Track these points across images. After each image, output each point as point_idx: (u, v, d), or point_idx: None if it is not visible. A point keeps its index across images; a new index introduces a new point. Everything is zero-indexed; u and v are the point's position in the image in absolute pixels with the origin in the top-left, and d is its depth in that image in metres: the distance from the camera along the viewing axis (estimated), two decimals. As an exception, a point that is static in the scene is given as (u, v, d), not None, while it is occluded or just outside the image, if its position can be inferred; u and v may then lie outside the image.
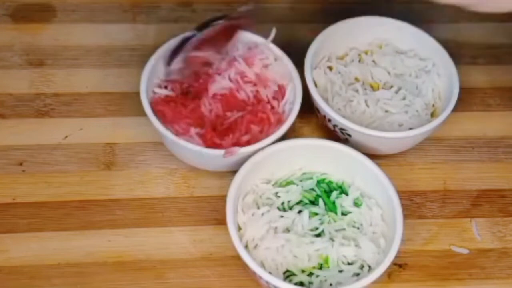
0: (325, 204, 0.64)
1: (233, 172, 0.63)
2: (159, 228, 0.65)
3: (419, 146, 0.71)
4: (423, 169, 0.72)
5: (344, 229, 0.63)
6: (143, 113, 0.65)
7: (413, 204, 0.69)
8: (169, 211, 0.67)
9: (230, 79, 0.69)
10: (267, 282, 0.57)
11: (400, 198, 0.62)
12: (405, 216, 0.61)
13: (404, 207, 0.62)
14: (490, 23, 0.84)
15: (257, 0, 0.65)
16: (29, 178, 0.67)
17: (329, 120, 0.68)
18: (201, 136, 0.65)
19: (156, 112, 0.65)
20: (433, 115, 0.71)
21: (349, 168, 0.65)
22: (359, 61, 0.74)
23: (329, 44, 0.73)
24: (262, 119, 0.67)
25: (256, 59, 0.70)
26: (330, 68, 0.73)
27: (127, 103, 0.73)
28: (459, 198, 0.70)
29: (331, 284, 0.60)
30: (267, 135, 0.65)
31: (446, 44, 0.73)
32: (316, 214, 0.63)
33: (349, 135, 0.67)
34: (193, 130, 0.65)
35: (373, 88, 0.72)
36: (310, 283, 0.60)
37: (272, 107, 0.68)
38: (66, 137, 0.70)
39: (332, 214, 0.63)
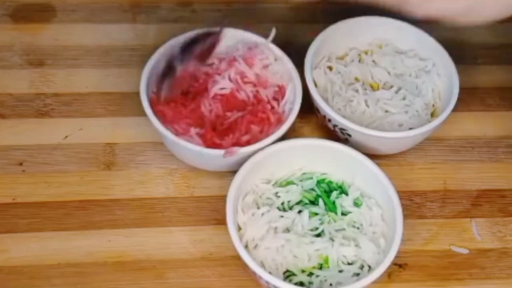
0: (325, 204, 0.64)
1: (233, 172, 0.63)
2: (159, 228, 0.65)
3: (419, 146, 0.71)
4: (423, 169, 0.72)
5: (344, 229, 0.63)
6: (143, 113, 0.65)
7: (413, 204, 0.69)
8: (169, 211, 0.67)
9: (230, 79, 0.69)
10: (267, 282, 0.57)
11: (400, 198, 0.62)
12: (405, 216, 0.61)
13: (404, 207, 0.62)
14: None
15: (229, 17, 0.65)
16: (29, 178, 0.67)
17: (329, 120, 0.68)
18: (201, 136, 0.65)
19: (156, 112, 0.65)
20: (433, 115, 0.71)
21: (349, 168, 0.65)
22: (359, 61, 0.74)
23: (329, 44, 0.73)
24: (262, 119, 0.67)
25: (256, 59, 0.70)
26: (330, 68, 0.73)
27: (127, 103, 0.73)
28: (459, 198, 0.70)
29: (331, 284, 0.60)
30: (267, 135, 0.65)
31: (446, 44, 0.73)
32: (316, 214, 0.63)
33: (349, 135, 0.67)
34: (193, 130, 0.65)
35: (373, 88, 0.72)
36: (310, 283, 0.60)
37: (272, 107, 0.68)
38: (66, 137, 0.70)
39: (332, 214, 0.63)
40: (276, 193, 0.64)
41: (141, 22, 0.80)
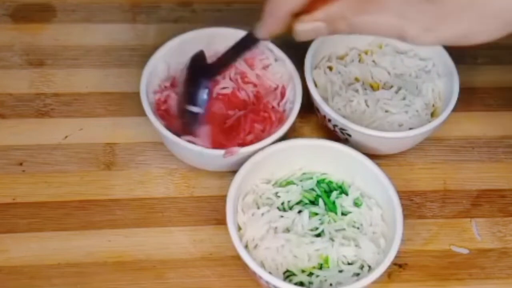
0: (325, 204, 0.64)
1: (233, 172, 0.63)
2: (159, 228, 0.65)
3: (419, 146, 0.71)
4: (423, 169, 0.72)
5: (344, 229, 0.63)
6: (143, 113, 0.65)
7: (413, 204, 0.69)
8: (169, 211, 0.67)
9: (230, 79, 0.69)
10: (267, 282, 0.57)
11: (400, 198, 0.62)
12: (405, 216, 0.61)
13: (404, 207, 0.62)
14: (490, 23, 0.84)
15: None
16: (29, 178, 0.67)
17: (329, 120, 0.68)
18: (208, 136, 0.65)
19: (157, 113, 0.65)
20: (433, 115, 0.71)
21: (349, 168, 0.65)
22: (359, 61, 0.74)
23: (329, 44, 0.73)
24: (265, 118, 0.67)
25: (256, 59, 0.71)
26: (330, 68, 0.73)
27: (127, 103, 0.73)
28: (459, 198, 0.70)
29: (331, 284, 0.60)
30: (270, 134, 0.64)
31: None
32: (316, 214, 0.63)
33: (349, 135, 0.67)
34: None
35: (373, 88, 0.72)
36: (310, 283, 0.60)
37: (273, 107, 0.69)
38: (66, 137, 0.70)
39: (332, 214, 0.63)
40: (276, 193, 0.64)
41: (141, 22, 0.80)
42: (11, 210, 0.65)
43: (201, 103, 0.64)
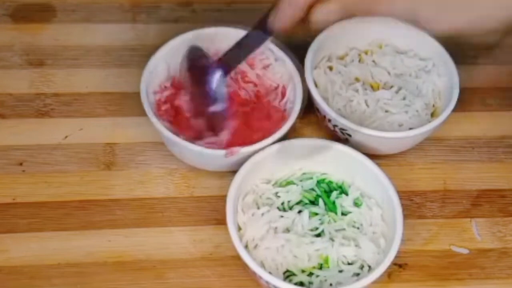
0: (325, 204, 0.64)
1: (233, 172, 0.63)
2: (159, 228, 0.65)
3: (419, 146, 0.71)
4: (423, 169, 0.72)
5: (344, 229, 0.63)
6: (143, 113, 0.65)
7: (413, 204, 0.69)
8: (169, 211, 0.67)
9: (231, 78, 0.69)
10: (267, 282, 0.57)
11: (400, 198, 0.62)
12: (405, 216, 0.61)
13: (404, 207, 0.62)
14: (490, 23, 0.84)
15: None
16: (29, 178, 0.67)
17: (329, 120, 0.68)
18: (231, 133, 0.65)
19: (158, 113, 0.65)
20: (433, 115, 0.71)
21: (349, 168, 0.65)
22: (359, 61, 0.74)
23: (329, 44, 0.73)
24: (268, 116, 0.67)
25: (257, 59, 0.71)
26: (330, 68, 0.73)
27: (127, 103, 0.73)
28: (459, 198, 0.70)
29: (331, 284, 0.60)
30: (272, 133, 0.64)
31: (446, 44, 0.73)
32: (316, 214, 0.63)
33: (349, 135, 0.67)
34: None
35: (373, 88, 0.72)
36: (310, 283, 0.60)
37: (274, 106, 0.69)
38: (66, 137, 0.70)
39: (332, 214, 0.63)
40: (276, 193, 0.64)
41: (141, 22, 0.80)
42: (11, 210, 0.65)
43: (222, 99, 0.63)
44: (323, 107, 0.67)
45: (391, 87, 0.72)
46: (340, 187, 0.66)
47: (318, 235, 0.62)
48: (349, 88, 0.71)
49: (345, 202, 0.64)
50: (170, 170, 0.69)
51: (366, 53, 0.75)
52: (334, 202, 0.65)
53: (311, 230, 0.62)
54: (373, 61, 0.74)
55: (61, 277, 0.62)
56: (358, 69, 0.73)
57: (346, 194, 0.65)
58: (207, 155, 0.63)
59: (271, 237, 0.61)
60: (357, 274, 0.61)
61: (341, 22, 0.73)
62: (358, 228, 0.63)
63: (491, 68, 0.80)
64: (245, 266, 0.58)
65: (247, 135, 0.66)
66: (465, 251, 0.66)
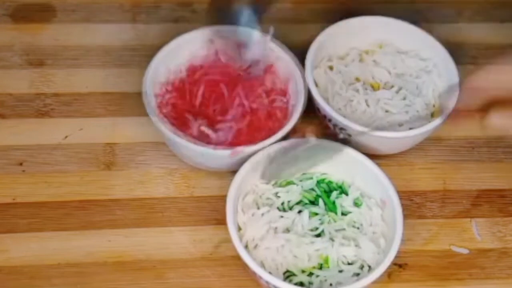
0: (325, 204, 0.64)
1: (233, 172, 0.63)
2: (159, 228, 0.65)
3: (419, 146, 0.71)
4: (423, 169, 0.72)
5: (344, 229, 0.63)
6: (143, 113, 0.65)
7: (413, 204, 0.69)
8: (169, 211, 0.67)
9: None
10: (267, 282, 0.57)
11: (400, 198, 0.62)
12: (405, 216, 0.61)
13: (404, 207, 0.62)
14: (490, 23, 0.84)
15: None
16: (29, 178, 0.67)
17: (330, 120, 0.68)
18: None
19: (159, 114, 0.65)
20: (433, 115, 0.71)
21: (349, 168, 0.65)
22: (360, 61, 0.74)
23: (329, 44, 0.73)
24: (270, 115, 0.67)
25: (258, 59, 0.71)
26: (331, 68, 0.73)
27: (127, 103, 0.73)
28: (459, 198, 0.70)
29: (331, 284, 0.60)
30: (274, 133, 0.65)
31: (446, 44, 0.73)
32: (316, 214, 0.63)
33: (349, 135, 0.67)
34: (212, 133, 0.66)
35: (374, 88, 0.72)
36: (310, 283, 0.60)
37: (275, 106, 0.69)
38: (66, 137, 0.70)
39: (332, 214, 0.63)
40: (276, 193, 0.64)
41: (141, 22, 0.80)
42: (11, 210, 0.65)
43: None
44: (323, 107, 0.67)
45: (392, 87, 0.72)
46: (340, 187, 0.66)
47: (318, 235, 0.62)
48: (350, 88, 0.71)
49: (345, 202, 0.64)
50: (170, 170, 0.69)
51: (366, 53, 0.75)
52: (334, 202, 0.64)
53: (311, 230, 0.62)
54: (374, 61, 0.74)
55: (61, 277, 0.62)
56: (359, 69, 0.73)
57: (346, 194, 0.65)
58: (208, 155, 0.63)
59: (271, 237, 0.61)
60: (357, 274, 0.61)
61: (341, 22, 0.73)
62: (358, 228, 0.63)
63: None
64: (245, 266, 0.58)
65: (250, 134, 0.66)
66: (465, 251, 0.66)
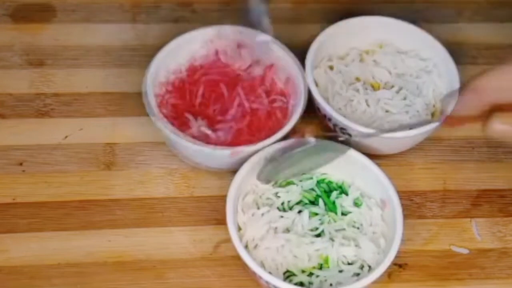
0: (325, 204, 0.64)
1: (233, 172, 0.63)
2: (159, 228, 0.65)
3: (419, 146, 0.71)
4: (423, 169, 0.72)
5: (344, 229, 0.63)
6: (143, 113, 0.65)
7: (413, 204, 0.69)
8: (169, 211, 0.67)
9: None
10: (267, 282, 0.57)
11: (400, 198, 0.62)
12: (405, 216, 0.61)
13: (404, 207, 0.62)
14: (490, 23, 0.84)
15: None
16: (29, 178, 0.67)
17: (329, 120, 0.68)
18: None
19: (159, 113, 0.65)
20: (433, 115, 0.71)
21: (349, 168, 0.65)
22: (360, 60, 0.74)
23: (330, 44, 0.73)
24: (270, 115, 0.67)
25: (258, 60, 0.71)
26: (331, 68, 0.73)
27: (127, 103, 0.73)
28: (459, 198, 0.70)
29: (331, 284, 0.60)
30: (274, 133, 0.65)
31: (446, 44, 0.73)
32: (316, 214, 0.63)
33: (349, 135, 0.67)
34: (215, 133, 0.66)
35: (374, 88, 0.72)
36: (310, 283, 0.60)
37: (275, 106, 0.69)
38: (66, 137, 0.70)
39: (332, 214, 0.63)
40: (276, 193, 0.64)
41: (141, 22, 0.80)
42: (11, 210, 0.65)
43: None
44: (323, 107, 0.67)
45: (392, 87, 0.72)
46: (340, 187, 0.66)
47: (318, 235, 0.62)
48: (350, 87, 0.71)
49: (345, 202, 0.64)
50: (170, 170, 0.69)
51: (367, 52, 0.75)
52: (334, 202, 0.65)
53: (311, 230, 0.62)
54: (374, 60, 0.74)
55: (61, 277, 0.62)
56: (359, 69, 0.73)
57: (346, 194, 0.65)
58: (211, 154, 0.63)
59: (271, 237, 0.61)
60: (357, 274, 0.61)
61: (341, 22, 0.73)
62: (358, 228, 0.63)
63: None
64: (245, 266, 0.58)
65: (250, 134, 0.66)
66: (465, 251, 0.66)
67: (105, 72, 0.75)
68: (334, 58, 0.73)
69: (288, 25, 0.79)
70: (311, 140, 0.62)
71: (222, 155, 0.64)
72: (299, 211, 0.63)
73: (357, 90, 0.71)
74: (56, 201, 0.66)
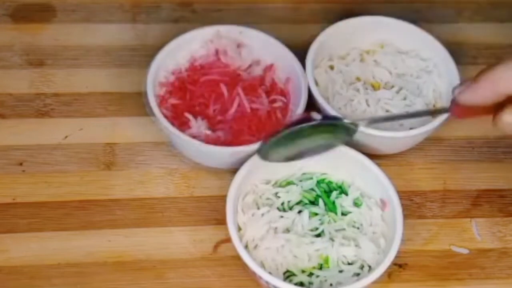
0: (325, 204, 0.64)
1: (233, 172, 0.63)
2: (159, 228, 0.65)
3: (419, 146, 0.71)
4: (423, 169, 0.72)
5: (344, 229, 0.63)
6: (143, 113, 0.65)
7: (413, 204, 0.69)
8: (169, 211, 0.67)
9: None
10: (267, 282, 0.57)
11: (400, 198, 0.62)
12: (405, 216, 0.61)
13: (404, 207, 0.62)
14: (490, 23, 0.84)
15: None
16: (29, 178, 0.67)
17: (329, 120, 0.68)
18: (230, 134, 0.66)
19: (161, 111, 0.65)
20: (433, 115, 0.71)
21: (349, 168, 0.65)
22: (361, 60, 0.74)
23: (330, 44, 0.73)
24: (271, 114, 0.67)
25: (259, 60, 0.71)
26: (332, 68, 0.73)
27: (127, 103, 0.73)
28: (459, 198, 0.70)
29: (331, 284, 0.60)
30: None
31: (446, 44, 0.73)
32: (316, 214, 0.63)
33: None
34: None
35: (374, 88, 0.72)
36: (310, 283, 0.60)
37: (276, 106, 0.69)
38: (66, 137, 0.70)
39: (332, 214, 0.63)
40: (276, 193, 0.64)
41: (141, 22, 0.80)
42: (11, 210, 0.65)
43: None
44: (323, 106, 0.67)
45: (392, 87, 0.72)
46: (340, 187, 0.66)
47: (318, 235, 0.62)
48: (350, 87, 0.71)
49: (345, 202, 0.64)
50: (170, 170, 0.69)
51: (367, 52, 0.75)
52: (334, 202, 0.64)
53: (311, 230, 0.62)
54: (375, 60, 0.74)
55: (61, 277, 0.62)
56: (359, 69, 0.73)
57: (346, 194, 0.65)
58: (211, 152, 0.63)
59: (271, 237, 0.61)
60: (357, 274, 0.61)
61: (341, 22, 0.73)
62: (358, 228, 0.63)
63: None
64: (245, 266, 0.58)
65: (250, 134, 0.66)
66: (465, 251, 0.66)
67: (105, 72, 0.75)
68: (335, 58, 0.73)
69: (288, 25, 0.79)
70: (317, 116, 0.61)
71: (222, 154, 0.64)
72: (299, 211, 0.63)
73: (358, 90, 0.71)
74: (56, 201, 0.66)
